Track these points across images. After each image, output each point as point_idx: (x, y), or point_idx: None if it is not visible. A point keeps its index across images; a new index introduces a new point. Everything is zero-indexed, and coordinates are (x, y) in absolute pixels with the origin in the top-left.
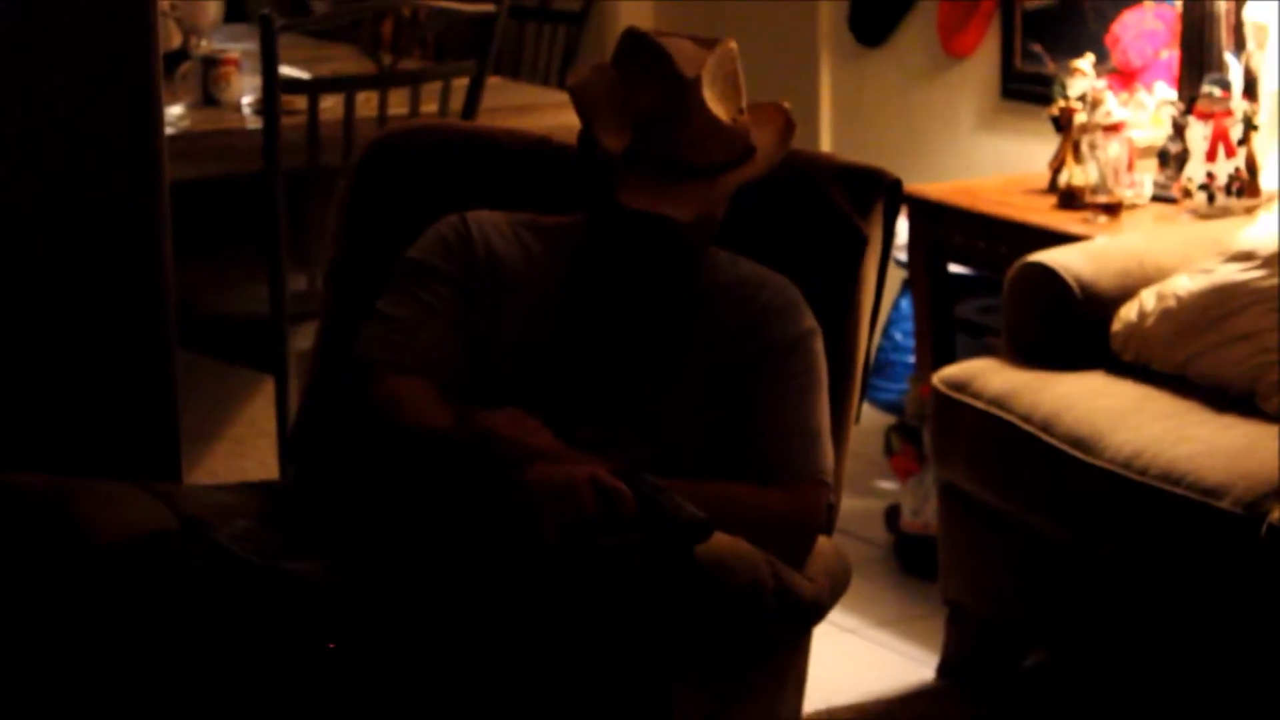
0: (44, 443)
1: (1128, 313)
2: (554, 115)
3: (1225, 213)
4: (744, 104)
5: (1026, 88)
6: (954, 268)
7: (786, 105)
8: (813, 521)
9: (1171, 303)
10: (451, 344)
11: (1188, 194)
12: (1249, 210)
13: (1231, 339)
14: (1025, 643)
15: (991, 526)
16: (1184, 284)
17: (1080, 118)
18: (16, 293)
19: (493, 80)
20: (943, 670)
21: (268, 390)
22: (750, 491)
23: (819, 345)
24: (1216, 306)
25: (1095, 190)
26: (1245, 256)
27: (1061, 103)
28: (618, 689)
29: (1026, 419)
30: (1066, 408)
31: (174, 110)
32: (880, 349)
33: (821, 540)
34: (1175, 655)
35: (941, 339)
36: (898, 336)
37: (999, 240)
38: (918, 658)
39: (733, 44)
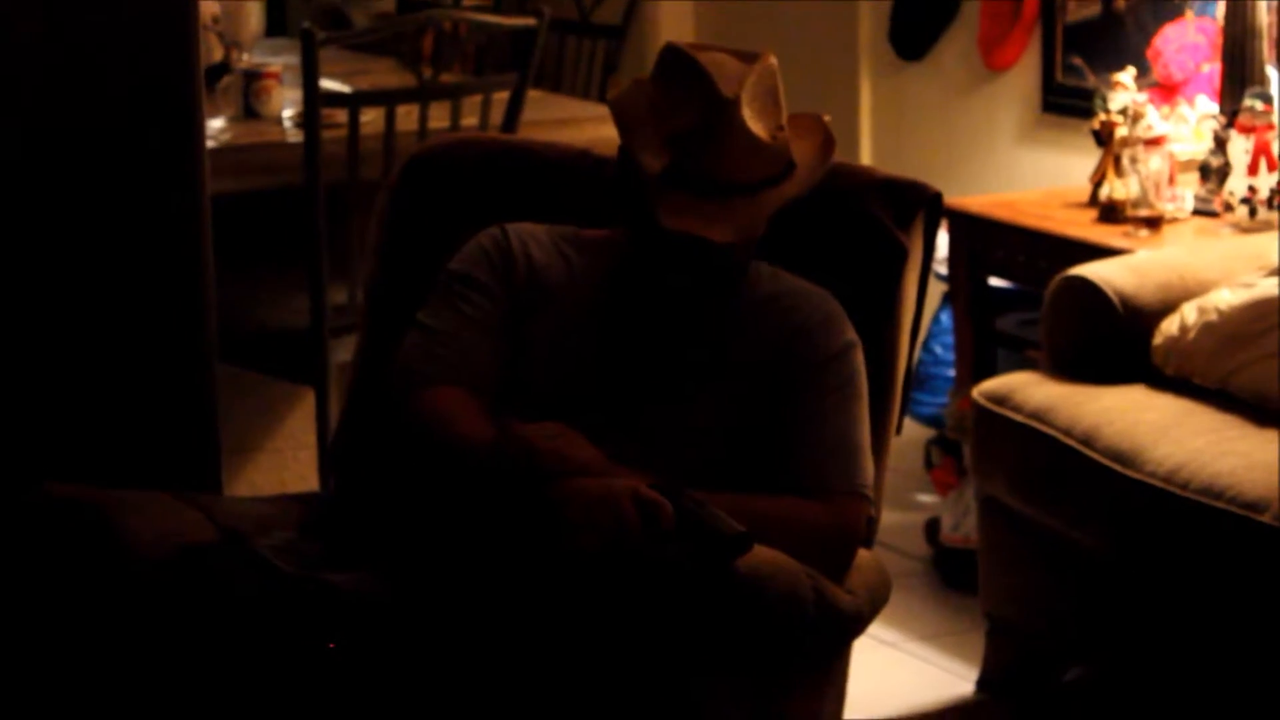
0: (86, 454)
1: (1169, 327)
2: (595, 128)
3: (1267, 226)
4: (784, 119)
5: (1067, 101)
6: (994, 281)
7: (827, 118)
8: (852, 534)
9: (1213, 316)
10: (491, 356)
11: (1229, 208)
12: None
13: (1273, 353)
14: (1065, 656)
15: (1032, 540)
16: (1225, 298)
17: (1121, 131)
18: (59, 306)
19: (533, 93)
20: (983, 684)
21: (308, 403)
22: (790, 504)
23: (859, 358)
24: (1258, 320)
25: (1136, 204)
26: None
27: (1102, 116)
28: (655, 703)
29: (1067, 433)
30: (1107, 422)
31: (215, 123)
32: (920, 362)
33: (861, 553)
34: (1216, 669)
35: (982, 353)
36: (938, 350)
37: (1039, 254)
38: (958, 672)
39: (773, 59)
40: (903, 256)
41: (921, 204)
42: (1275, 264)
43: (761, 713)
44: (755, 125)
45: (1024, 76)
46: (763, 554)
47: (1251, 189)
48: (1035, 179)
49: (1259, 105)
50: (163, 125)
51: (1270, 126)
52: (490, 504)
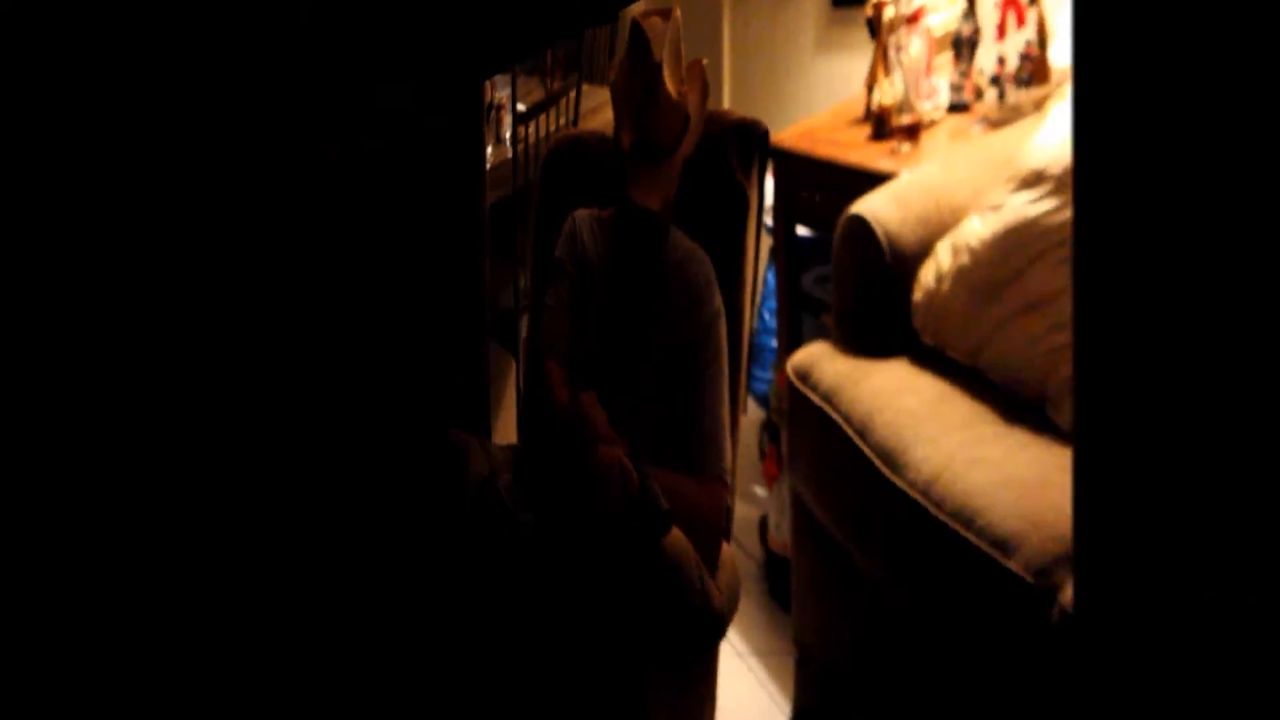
0: (396, 410)
1: (926, 277)
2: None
3: (1016, 114)
4: (684, 73)
5: None
6: (801, 230)
7: (705, 62)
8: (719, 521)
9: (965, 259)
10: (569, 331)
11: (979, 94)
12: (1038, 105)
13: (1022, 308)
14: (876, 690)
15: (828, 554)
16: (975, 229)
17: (889, 13)
18: (384, 293)
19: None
20: (799, 718)
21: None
22: (685, 483)
23: (723, 328)
24: (1007, 261)
25: (900, 109)
26: (1034, 180)
27: (873, 1)
28: (599, 676)
29: (848, 419)
30: (878, 409)
31: None
32: (752, 331)
33: (725, 548)
34: None
35: (793, 317)
36: (766, 316)
37: (830, 189)
38: (776, 699)
39: (678, 11)
40: (744, 205)
41: (756, 144)
42: (1022, 172)
43: (680, 690)
44: (670, 84)
45: None
46: (677, 535)
47: (1001, 60)
48: (828, 91)
49: None
50: (459, 190)
51: None
52: (559, 464)
